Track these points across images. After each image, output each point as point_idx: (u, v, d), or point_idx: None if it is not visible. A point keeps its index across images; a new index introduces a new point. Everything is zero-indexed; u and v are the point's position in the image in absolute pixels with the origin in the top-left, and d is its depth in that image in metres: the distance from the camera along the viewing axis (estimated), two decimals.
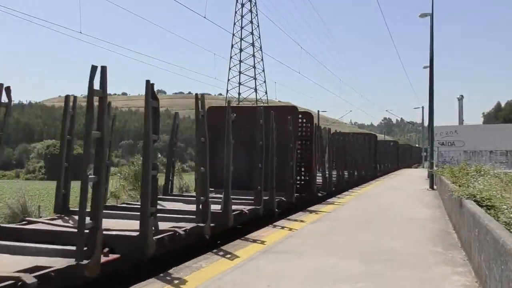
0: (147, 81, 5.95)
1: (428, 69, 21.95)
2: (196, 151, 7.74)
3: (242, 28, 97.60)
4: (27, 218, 7.98)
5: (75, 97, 7.94)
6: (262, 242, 7.61)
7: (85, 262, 4.70)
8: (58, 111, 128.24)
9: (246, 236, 8.12)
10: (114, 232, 5.97)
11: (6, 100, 6.25)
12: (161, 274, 5.50)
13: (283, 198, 11.39)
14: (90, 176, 4.94)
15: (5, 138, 6.53)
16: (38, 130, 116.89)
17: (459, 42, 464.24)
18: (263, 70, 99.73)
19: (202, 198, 7.22)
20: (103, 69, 5.09)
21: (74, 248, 4.86)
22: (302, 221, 10.11)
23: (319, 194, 14.67)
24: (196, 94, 7.57)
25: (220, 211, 8.06)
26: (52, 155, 70.51)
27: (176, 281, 5.24)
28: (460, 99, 43.25)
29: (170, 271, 5.66)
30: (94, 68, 5.03)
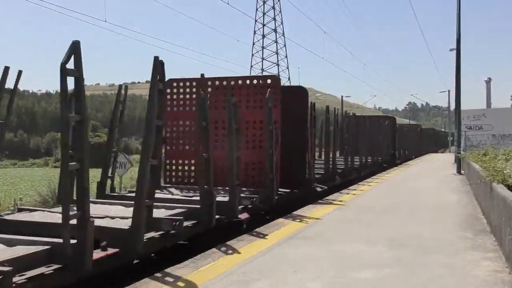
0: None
1: (455, 51, 21.40)
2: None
3: (264, 14, 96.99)
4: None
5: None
6: None
7: None
8: None
9: None
10: None
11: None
12: None
13: (253, 200, 8.15)
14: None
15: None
16: None
17: (486, 24, 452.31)
18: (286, 56, 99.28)
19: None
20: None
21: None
22: (263, 236, 6.78)
23: (318, 189, 11.70)
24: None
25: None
26: None
27: None
28: (488, 81, 42.31)
29: None
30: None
